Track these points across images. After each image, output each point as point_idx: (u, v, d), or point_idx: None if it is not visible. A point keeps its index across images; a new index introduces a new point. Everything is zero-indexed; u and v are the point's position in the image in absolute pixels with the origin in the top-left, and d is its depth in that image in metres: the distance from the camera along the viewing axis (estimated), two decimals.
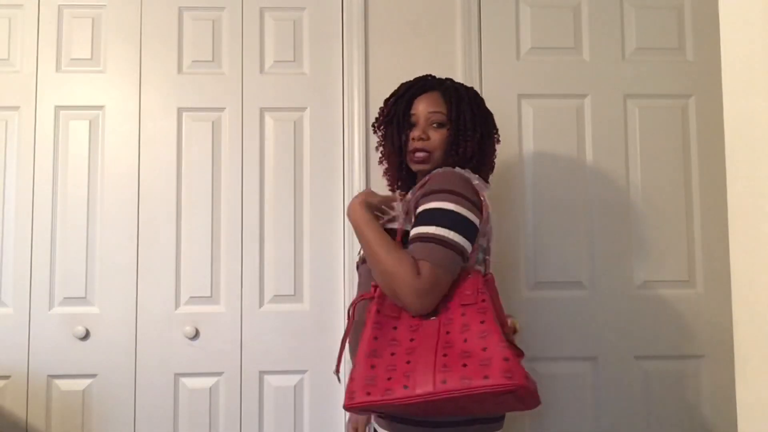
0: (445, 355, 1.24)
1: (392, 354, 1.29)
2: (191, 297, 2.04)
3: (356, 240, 1.55)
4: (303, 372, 2.03)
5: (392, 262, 1.31)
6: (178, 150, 2.08)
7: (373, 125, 1.62)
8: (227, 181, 2.07)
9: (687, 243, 2.09)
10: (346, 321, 1.46)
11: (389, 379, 1.24)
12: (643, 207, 2.09)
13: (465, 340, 1.26)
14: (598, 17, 2.14)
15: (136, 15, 2.10)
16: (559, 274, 2.06)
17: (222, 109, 2.10)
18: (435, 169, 1.48)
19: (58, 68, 2.09)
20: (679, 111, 2.12)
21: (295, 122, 2.10)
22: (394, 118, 1.54)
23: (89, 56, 2.10)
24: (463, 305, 1.32)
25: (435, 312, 1.32)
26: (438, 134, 1.50)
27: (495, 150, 1.59)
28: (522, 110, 2.10)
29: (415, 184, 1.60)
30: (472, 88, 1.58)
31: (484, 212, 1.40)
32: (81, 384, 2.00)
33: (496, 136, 1.58)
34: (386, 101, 1.59)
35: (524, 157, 2.09)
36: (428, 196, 1.37)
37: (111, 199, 2.05)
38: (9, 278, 2.01)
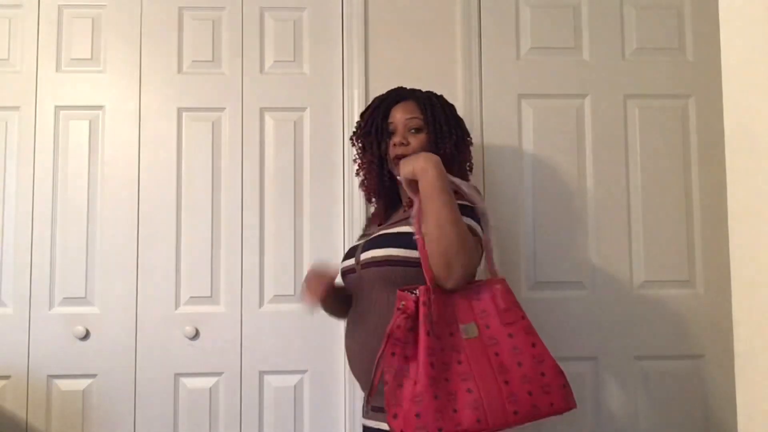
0: (506, 383, 1.26)
1: (446, 380, 1.27)
2: (191, 297, 2.04)
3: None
4: (303, 372, 2.03)
5: (464, 230, 1.35)
6: (178, 150, 2.08)
7: (351, 138, 1.69)
8: (227, 181, 2.07)
9: (687, 243, 2.08)
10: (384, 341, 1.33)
11: (455, 411, 1.24)
12: (643, 207, 2.09)
13: (519, 364, 1.28)
14: (598, 17, 2.14)
15: (136, 15, 2.10)
16: (559, 274, 2.06)
17: (222, 109, 2.10)
18: None
19: (58, 68, 2.09)
20: (679, 111, 2.12)
21: (295, 122, 2.10)
22: (372, 129, 1.60)
23: (89, 56, 2.10)
24: (505, 324, 1.32)
25: (472, 331, 1.32)
26: (417, 139, 1.57)
27: (470, 152, 1.68)
28: (522, 110, 2.10)
29: (396, 191, 1.65)
30: (442, 96, 1.68)
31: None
32: (81, 384, 2.00)
33: (468, 138, 1.67)
34: (362, 114, 1.67)
35: (524, 157, 2.09)
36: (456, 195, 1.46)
37: (111, 199, 2.05)
38: (9, 278, 2.01)
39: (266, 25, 2.13)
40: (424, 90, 1.68)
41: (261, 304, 2.04)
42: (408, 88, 1.68)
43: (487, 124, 2.08)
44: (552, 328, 2.04)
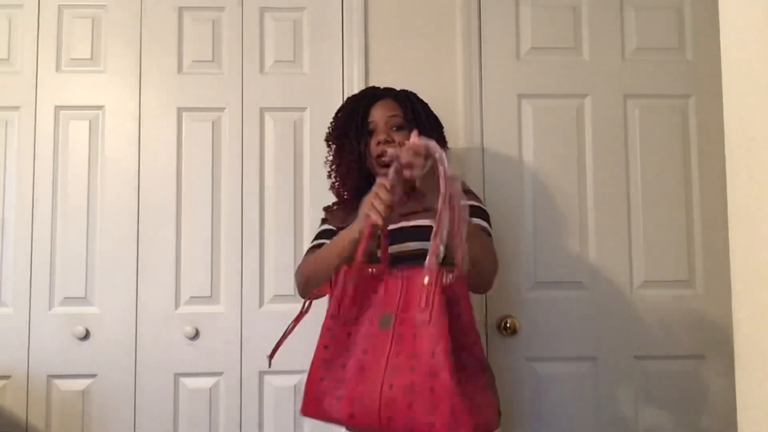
0: (391, 387, 1.14)
1: (343, 366, 1.22)
2: (191, 297, 2.04)
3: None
4: (303, 372, 2.02)
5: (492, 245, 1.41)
6: (178, 150, 2.07)
7: (326, 139, 1.63)
8: (227, 181, 2.07)
9: (687, 243, 2.08)
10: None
11: (339, 399, 1.19)
12: (643, 207, 2.09)
13: (412, 370, 1.13)
14: (598, 17, 2.14)
15: (136, 15, 2.10)
16: (559, 274, 2.05)
17: (222, 109, 2.10)
18: None
19: (58, 68, 2.09)
20: (679, 111, 2.12)
21: (295, 122, 2.10)
22: (351, 128, 1.56)
23: (89, 56, 2.10)
24: (417, 323, 1.17)
25: (387, 322, 1.21)
26: (400, 136, 1.54)
27: (448, 150, 1.62)
28: (522, 110, 2.10)
29: (357, 188, 1.55)
30: (416, 94, 1.66)
31: None
32: (81, 384, 2.00)
33: (444, 137, 1.66)
34: (336, 115, 1.63)
35: (524, 157, 2.09)
36: (468, 194, 1.49)
37: (111, 199, 2.05)
38: (9, 278, 2.01)
39: (266, 25, 2.13)
40: (399, 89, 1.66)
41: (261, 304, 2.04)
42: (382, 87, 1.67)
43: (487, 124, 2.08)
44: (552, 328, 2.04)
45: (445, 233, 1.16)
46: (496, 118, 2.09)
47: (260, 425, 2.01)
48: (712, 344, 2.05)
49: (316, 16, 2.13)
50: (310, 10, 2.13)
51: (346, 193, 1.60)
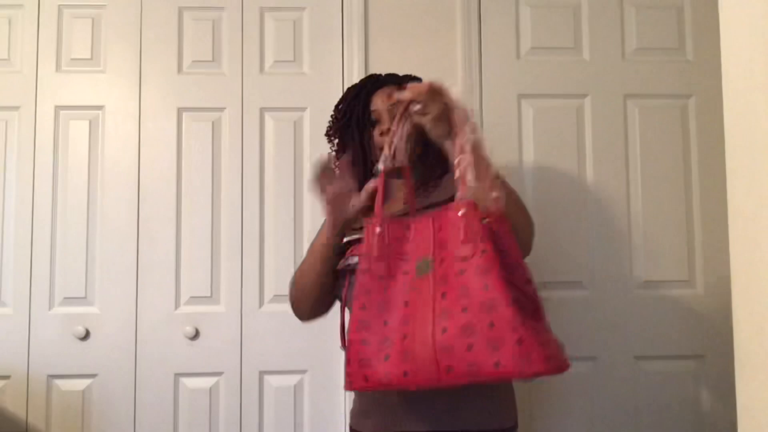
0: (444, 331, 1.04)
1: (385, 323, 1.11)
2: (191, 297, 2.04)
3: None
4: (303, 372, 2.03)
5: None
6: (178, 150, 2.07)
7: (327, 133, 1.55)
8: (227, 181, 2.07)
9: (687, 243, 2.08)
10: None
11: (387, 358, 1.07)
12: (643, 207, 2.09)
13: (464, 310, 1.04)
14: (598, 17, 2.14)
15: (136, 15, 2.10)
16: (559, 274, 2.05)
17: (222, 109, 2.10)
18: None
19: (58, 68, 2.09)
20: (679, 111, 2.12)
21: (295, 122, 2.10)
22: (352, 120, 1.47)
23: (89, 56, 2.10)
24: (459, 259, 1.09)
25: (425, 267, 1.11)
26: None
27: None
28: (522, 110, 2.10)
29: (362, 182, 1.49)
30: (421, 79, 1.51)
31: None
32: (81, 384, 2.00)
33: None
34: (337, 107, 1.54)
35: (524, 157, 2.09)
36: None
37: (111, 199, 2.05)
38: (9, 278, 2.01)
39: (266, 25, 2.13)
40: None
41: (261, 304, 2.04)
42: (383, 74, 1.56)
43: (487, 124, 2.08)
44: (552, 328, 2.04)
45: (470, 176, 1.08)
46: (496, 118, 2.09)
47: (260, 425, 2.01)
48: (712, 344, 2.05)
49: (316, 16, 2.13)
50: (310, 10, 2.13)
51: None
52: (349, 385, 1.12)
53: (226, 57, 2.11)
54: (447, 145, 1.20)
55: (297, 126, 2.10)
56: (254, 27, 2.12)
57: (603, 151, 2.10)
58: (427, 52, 2.12)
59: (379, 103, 1.46)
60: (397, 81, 1.50)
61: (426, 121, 1.18)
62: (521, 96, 2.11)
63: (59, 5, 2.09)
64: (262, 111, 2.10)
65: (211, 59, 2.11)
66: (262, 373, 2.02)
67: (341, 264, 1.33)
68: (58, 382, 2.00)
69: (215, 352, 2.02)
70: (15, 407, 1.98)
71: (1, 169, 2.04)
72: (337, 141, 1.51)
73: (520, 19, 2.13)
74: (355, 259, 1.29)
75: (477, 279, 1.05)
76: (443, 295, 1.07)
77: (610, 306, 2.05)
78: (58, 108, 2.07)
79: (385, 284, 1.14)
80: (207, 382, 2.02)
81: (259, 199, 2.07)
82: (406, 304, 1.10)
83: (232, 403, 2.01)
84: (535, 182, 2.08)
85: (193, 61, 2.11)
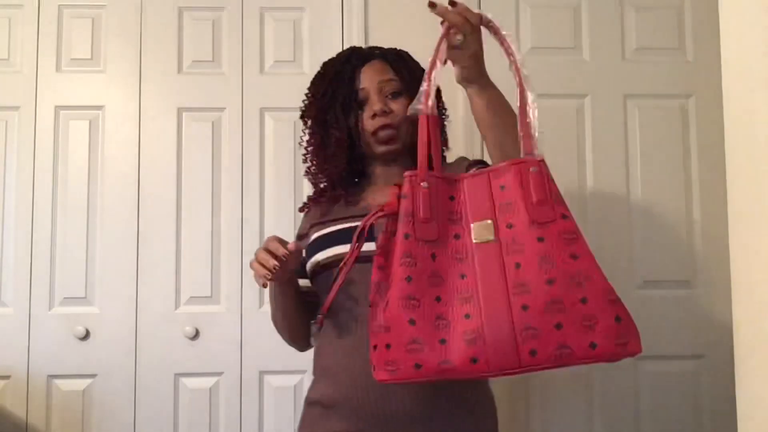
0: (525, 308, 0.89)
1: (437, 299, 0.93)
2: (191, 297, 2.04)
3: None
4: (303, 372, 2.03)
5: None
6: (178, 150, 2.07)
7: (302, 116, 1.36)
8: (227, 181, 2.07)
9: (687, 243, 2.08)
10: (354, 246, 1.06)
11: (443, 342, 0.90)
12: (643, 207, 2.09)
13: (550, 282, 0.90)
14: (598, 17, 2.13)
15: (136, 15, 2.10)
16: None
17: (222, 109, 2.10)
18: (401, 147, 1.27)
19: (58, 68, 2.09)
20: (679, 111, 2.12)
21: (295, 122, 2.09)
22: (336, 101, 1.28)
23: (89, 56, 2.10)
24: (536, 224, 0.94)
25: (486, 232, 0.95)
26: (398, 104, 1.29)
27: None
28: None
29: (354, 177, 1.34)
30: (407, 52, 1.41)
31: None
32: (81, 384, 2.00)
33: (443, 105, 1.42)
34: (314, 83, 1.35)
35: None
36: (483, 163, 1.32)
37: (111, 199, 2.05)
38: (9, 278, 2.01)
39: (266, 25, 2.13)
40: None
41: (261, 304, 2.04)
42: (366, 46, 1.39)
43: None
44: None
45: (533, 114, 0.98)
46: None
47: (260, 425, 2.01)
48: (712, 344, 2.04)
49: (316, 16, 2.13)
50: (310, 10, 2.13)
51: (325, 180, 1.34)
52: (391, 374, 0.92)
53: (226, 57, 2.11)
54: (469, 91, 1.11)
55: (297, 126, 2.08)
56: (254, 27, 2.12)
57: (603, 151, 2.10)
58: (427, 52, 2.10)
59: (366, 80, 1.30)
60: (383, 54, 1.36)
61: (459, 58, 1.09)
62: None
63: (59, 5, 2.09)
64: (262, 111, 2.10)
65: (211, 59, 2.11)
66: (262, 373, 2.02)
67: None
68: (58, 382, 2.00)
69: (215, 352, 2.02)
70: (15, 407, 1.98)
71: (1, 169, 2.04)
72: (314, 123, 1.33)
73: (520, 19, 2.13)
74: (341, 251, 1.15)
75: (562, 247, 0.93)
76: (517, 265, 0.92)
77: None
78: (58, 108, 2.07)
79: (433, 250, 0.95)
80: (207, 382, 2.02)
81: (259, 199, 2.07)
82: (463, 276, 0.93)
83: (232, 403, 2.01)
84: None
85: (193, 61, 2.11)
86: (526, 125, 1.00)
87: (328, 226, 1.30)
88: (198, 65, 2.11)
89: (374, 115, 1.27)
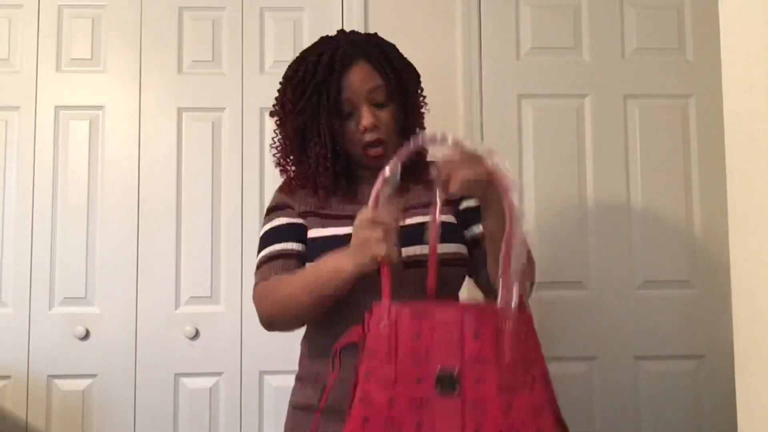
0: None
1: None
2: (191, 297, 2.04)
3: None
4: None
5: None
6: (178, 150, 2.07)
7: (274, 112, 1.28)
8: (227, 181, 2.07)
9: (687, 243, 2.08)
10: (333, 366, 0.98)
11: None
12: (643, 207, 2.09)
13: None
14: (598, 17, 2.13)
15: (136, 15, 2.10)
16: (559, 274, 2.05)
17: (222, 109, 2.10)
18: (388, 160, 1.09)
19: (58, 68, 2.09)
20: (679, 111, 2.12)
21: None
22: (320, 109, 1.17)
23: (89, 56, 2.10)
24: (504, 388, 0.87)
25: (450, 383, 0.87)
26: (385, 115, 1.19)
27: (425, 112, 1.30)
28: (522, 110, 2.10)
29: (333, 185, 1.22)
30: (393, 46, 1.27)
31: None
32: (81, 384, 2.00)
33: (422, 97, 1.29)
34: (290, 81, 1.25)
35: (524, 157, 2.09)
36: None
37: (111, 199, 2.05)
38: (9, 278, 2.01)
39: (266, 25, 2.13)
40: (365, 33, 1.29)
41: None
42: (344, 36, 1.23)
43: (487, 124, 2.08)
44: (552, 328, 2.04)
45: (517, 265, 0.89)
46: (496, 118, 2.09)
47: (260, 425, 2.01)
48: (712, 344, 2.04)
49: (316, 16, 2.13)
50: (310, 10, 2.13)
51: (319, 188, 1.23)
52: None
53: (226, 57, 2.11)
54: (479, 201, 1.02)
55: None
56: (254, 27, 2.12)
57: (603, 151, 2.10)
58: (427, 52, 2.11)
59: (354, 87, 1.17)
60: (366, 54, 1.19)
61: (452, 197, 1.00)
62: (521, 96, 2.10)
63: (59, 5, 2.09)
64: (262, 111, 2.10)
65: (211, 59, 2.11)
66: (262, 373, 2.02)
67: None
68: (58, 382, 2.00)
69: (215, 352, 2.02)
70: (15, 407, 1.98)
71: (1, 169, 2.04)
72: (287, 128, 1.23)
73: (520, 19, 2.13)
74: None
75: (528, 421, 0.87)
76: (478, 428, 0.85)
77: (610, 306, 2.05)
78: (58, 108, 2.07)
79: (392, 395, 0.89)
80: (207, 382, 2.02)
81: (259, 199, 2.07)
82: (420, 425, 0.87)
83: (232, 403, 2.01)
84: (535, 182, 2.08)
85: (193, 61, 2.11)
86: (507, 273, 0.90)
87: (327, 226, 1.21)
88: (198, 65, 2.11)
89: (365, 129, 1.18)
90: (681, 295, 2.07)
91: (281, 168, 1.27)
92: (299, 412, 1.24)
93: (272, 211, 1.27)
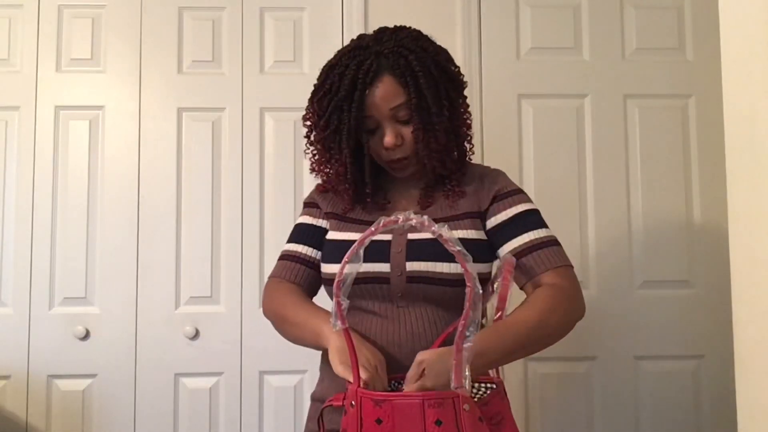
0: None
1: None
2: (191, 297, 2.04)
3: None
4: (303, 372, 2.03)
5: (552, 314, 1.17)
6: (178, 150, 2.07)
7: (307, 135, 1.25)
8: (227, 181, 2.07)
9: (687, 243, 2.08)
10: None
11: None
12: (643, 207, 2.09)
13: None
14: (598, 17, 2.13)
15: (136, 15, 2.10)
16: None
17: (222, 109, 2.10)
18: (415, 170, 1.21)
19: (58, 68, 2.09)
20: (679, 111, 2.12)
21: (295, 122, 2.10)
22: (342, 129, 1.16)
23: (89, 56, 2.10)
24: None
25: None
26: (407, 131, 1.17)
27: (469, 120, 1.24)
28: (522, 110, 2.10)
29: (352, 199, 1.24)
30: (424, 42, 1.21)
31: None
32: (81, 384, 2.00)
33: (465, 100, 1.24)
34: (316, 91, 1.25)
35: (524, 157, 2.09)
36: (512, 196, 1.24)
37: (111, 199, 2.05)
38: (9, 278, 2.01)
39: (266, 25, 2.13)
40: (398, 39, 1.21)
41: (260, 304, 2.04)
42: (377, 47, 1.18)
43: (487, 124, 2.08)
44: None
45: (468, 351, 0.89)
46: (496, 118, 2.09)
47: (260, 425, 2.01)
48: (712, 344, 2.05)
49: (316, 16, 2.13)
50: (310, 10, 2.13)
51: (348, 199, 1.25)
52: None
53: (226, 57, 2.11)
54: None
55: (297, 126, 2.10)
56: (254, 27, 2.12)
57: (603, 151, 2.10)
58: None
59: (378, 104, 1.15)
60: (391, 67, 1.15)
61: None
62: (521, 96, 2.11)
63: (59, 5, 2.09)
64: (262, 111, 2.10)
65: (211, 59, 2.11)
66: (262, 373, 2.02)
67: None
68: (58, 382, 2.00)
69: (215, 352, 2.02)
70: (15, 407, 1.98)
71: (1, 169, 2.04)
72: (314, 141, 1.22)
73: (520, 19, 2.13)
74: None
75: None
76: None
77: (610, 306, 2.05)
78: (58, 108, 2.07)
79: None
80: (207, 382, 2.02)
81: (259, 199, 2.07)
82: None
83: (232, 403, 2.01)
84: (535, 182, 2.08)
85: (193, 61, 2.11)
86: (460, 358, 0.89)
87: (344, 230, 1.23)
88: (198, 65, 2.11)
89: (387, 148, 1.18)
90: (681, 295, 2.07)
91: (315, 172, 1.27)
92: (317, 404, 1.25)
93: (304, 206, 1.34)
